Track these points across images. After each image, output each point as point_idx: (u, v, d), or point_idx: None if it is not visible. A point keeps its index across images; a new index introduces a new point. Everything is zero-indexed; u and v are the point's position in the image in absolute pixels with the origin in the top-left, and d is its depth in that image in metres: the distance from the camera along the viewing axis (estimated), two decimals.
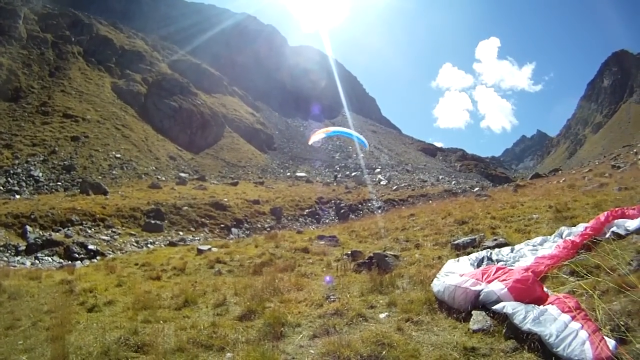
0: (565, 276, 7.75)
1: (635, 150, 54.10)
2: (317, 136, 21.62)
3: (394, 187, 68.86)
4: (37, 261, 25.85)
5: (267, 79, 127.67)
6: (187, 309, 9.58)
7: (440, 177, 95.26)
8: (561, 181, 29.06)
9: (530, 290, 6.73)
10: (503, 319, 6.35)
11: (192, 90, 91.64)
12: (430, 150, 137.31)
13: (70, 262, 25.00)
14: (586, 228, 10.00)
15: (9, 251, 27.09)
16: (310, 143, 21.68)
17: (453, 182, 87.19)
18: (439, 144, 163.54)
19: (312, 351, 6.34)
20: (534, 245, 10.01)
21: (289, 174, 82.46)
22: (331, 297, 9.05)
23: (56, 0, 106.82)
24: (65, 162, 53.46)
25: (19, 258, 26.24)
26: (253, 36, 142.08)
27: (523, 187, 30.41)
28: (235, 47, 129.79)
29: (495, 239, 11.80)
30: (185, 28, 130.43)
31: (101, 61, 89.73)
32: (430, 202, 40.33)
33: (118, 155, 60.88)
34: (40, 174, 49.72)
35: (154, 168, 63.16)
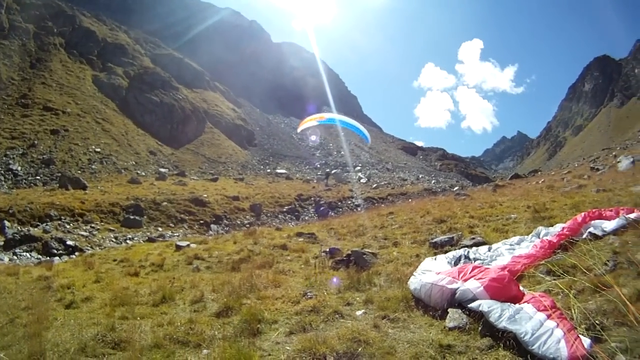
0: (541, 275, 7.83)
1: (614, 154, 54.56)
2: (308, 124, 22.34)
3: (374, 185, 69.00)
4: (15, 257, 25.46)
5: (250, 75, 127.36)
6: (164, 306, 9.56)
7: (421, 175, 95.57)
8: (540, 182, 29.25)
9: (506, 288, 6.78)
10: (479, 317, 6.39)
11: (173, 84, 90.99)
12: (411, 149, 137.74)
13: (48, 257, 24.72)
14: (563, 228, 10.11)
15: None
16: (299, 130, 22.78)
17: (433, 181, 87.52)
18: (419, 143, 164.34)
19: (288, 348, 6.34)
20: (511, 245, 10.10)
21: (269, 170, 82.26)
22: (308, 294, 9.07)
23: None
24: (44, 156, 52.90)
25: None
26: (237, 32, 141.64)
27: (502, 187, 30.60)
28: (218, 43, 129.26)
29: (473, 238, 11.89)
30: (169, 22, 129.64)
31: (83, 53, 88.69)
32: (410, 200, 40.46)
33: (98, 150, 60.37)
34: (19, 168, 49.12)
35: (133, 163, 62.72)
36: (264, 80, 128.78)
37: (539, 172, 67.39)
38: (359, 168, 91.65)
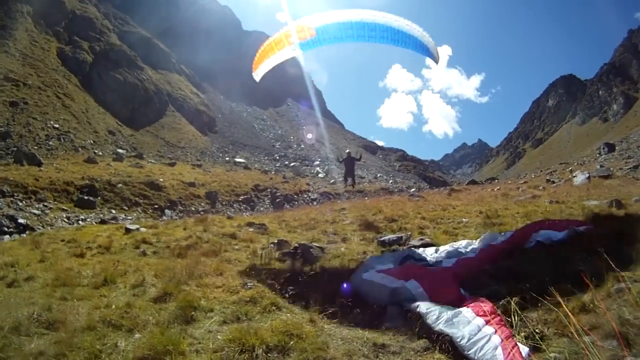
0: (485, 279, 7.78)
1: (570, 168, 55.37)
2: (279, 53, 14.62)
3: (331, 181, 69.17)
4: None
5: (216, 61, 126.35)
6: (105, 288, 9.38)
7: (379, 175, 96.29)
8: (496, 189, 29.39)
9: (446, 291, 6.76)
10: (417, 317, 6.34)
11: (139, 64, 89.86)
12: (371, 148, 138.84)
13: None
14: (512, 236, 10.12)
15: None
16: (258, 76, 15.99)
17: (391, 181, 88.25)
18: (380, 143, 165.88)
19: (219, 337, 6.23)
20: (458, 248, 10.09)
21: (227, 158, 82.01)
22: (248, 284, 8.96)
23: None
24: (1, 129, 52.02)
25: None
26: (207, 15, 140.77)
27: (458, 192, 30.72)
28: (188, 25, 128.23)
29: (422, 239, 11.89)
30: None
31: (50, 24, 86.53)
32: (366, 198, 40.53)
33: (56, 126, 59.44)
34: None
35: (91, 142, 61.88)
36: (231, 68, 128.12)
37: (496, 180, 68.07)
38: (317, 162, 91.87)
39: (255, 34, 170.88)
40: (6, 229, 25.69)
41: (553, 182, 33.52)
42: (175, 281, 9.06)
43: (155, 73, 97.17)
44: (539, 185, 29.87)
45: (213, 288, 8.81)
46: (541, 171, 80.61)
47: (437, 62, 13.72)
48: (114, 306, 7.93)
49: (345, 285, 8.19)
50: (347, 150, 38.05)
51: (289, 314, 7.19)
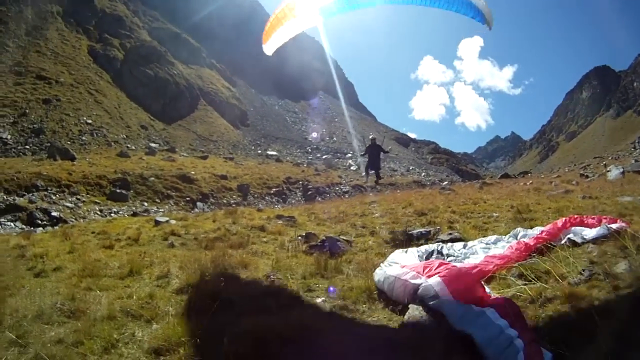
0: (512, 279, 7.55)
1: (605, 163, 54.83)
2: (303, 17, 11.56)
3: (363, 174, 69.13)
4: None
5: (247, 55, 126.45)
6: (130, 279, 9.44)
7: (411, 167, 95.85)
8: (528, 183, 29.04)
9: (470, 289, 6.55)
10: (439, 315, 6.21)
11: (169, 59, 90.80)
12: (404, 141, 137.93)
13: (32, 228, 24.82)
14: (542, 232, 9.86)
15: None
16: (269, 49, 13.22)
17: (423, 174, 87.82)
18: (412, 135, 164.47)
19: (235, 329, 6.19)
20: (487, 244, 9.88)
21: (259, 151, 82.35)
22: (271, 276, 8.91)
23: None
24: (35, 125, 52.86)
25: None
26: (236, 10, 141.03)
27: (489, 185, 30.43)
28: (217, 20, 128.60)
29: (450, 234, 11.71)
30: None
31: (80, 23, 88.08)
32: (397, 191, 40.33)
33: (89, 121, 60.32)
34: (9, 136, 49.17)
35: (124, 136, 62.70)
36: (261, 61, 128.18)
37: (529, 174, 67.31)
38: (349, 155, 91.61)
39: None
40: (39, 222, 26.53)
41: (587, 176, 33.12)
42: (199, 273, 9.06)
43: (186, 68, 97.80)
44: (572, 180, 29.54)
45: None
46: (575, 165, 79.98)
47: (490, 28, 11.64)
48: (135, 297, 8.02)
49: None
50: (372, 136, 29.84)
51: (310, 309, 7.14)
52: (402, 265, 8.01)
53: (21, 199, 30.38)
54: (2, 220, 26.39)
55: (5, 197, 30.06)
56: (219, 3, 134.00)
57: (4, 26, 73.73)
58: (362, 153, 28.53)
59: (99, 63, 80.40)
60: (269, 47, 13.23)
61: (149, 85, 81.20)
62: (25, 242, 14.18)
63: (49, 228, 24.63)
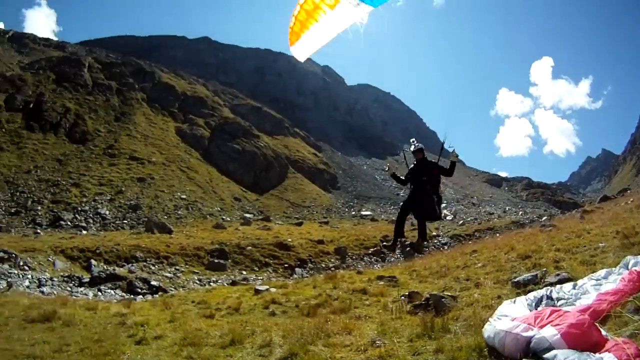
0: (628, 315, 7.07)
1: None
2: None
3: (460, 222, 68.17)
4: (99, 293, 26.47)
5: (328, 119, 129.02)
6: (232, 348, 9.46)
7: (507, 208, 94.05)
8: (629, 202, 27.92)
9: (585, 335, 6.23)
10: None
11: (254, 132, 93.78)
12: (496, 181, 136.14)
13: (132, 296, 25.67)
14: None
15: (73, 282, 28.00)
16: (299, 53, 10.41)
17: (520, 213, 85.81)
18: (503, 174, 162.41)
19: None
20: (597, 280, 9.36)
21: (353, 213, 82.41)
22: (377, 342, 8.72)
23: (118, 50, 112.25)
24: (131, 202, 55.37)
25: (82, 289, 26.95)
26: (310, 77, 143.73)
27: (590, 213, 29.46)
28: (293, 89, 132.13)
29: (558, 274, 11.18)
30: (243, 73, 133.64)
31: (164, 106, 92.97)
32: (497, 235, 39.46)
33: (183, 197, 62.37)
34: (107, 212, 51.82)
35: (218, 209, 64.26)
36: (342, 123, 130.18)
37: (629, 191, 64.29)
38: (444, 205, 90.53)
39: (360, 87, 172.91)
40: (139, 290, 27.43)
41: None
42: (302, 341, 8.96)
43: (272, 139, 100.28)
44: None
45: (340, 347, 8.63)
46: None
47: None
48: None
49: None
50: (414, 147, 13.17)
51: None
52: (512, 318, 7.54)
53: (121, 269, 31.69)
54: (103, 288, 27.36)
55: (105, 267, 31.55)
56: (295, 75, 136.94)
57: (94, 114, 78.87)
58: (403, 178, 13.51)
59: (187, 142, 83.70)
60: (300, 51, 10.17)
61: (238, 159, 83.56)
62: (125, 310, 14.56)
63: (148, 296, 25.60)
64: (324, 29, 8.93)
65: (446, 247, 44.86)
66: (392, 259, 45.05)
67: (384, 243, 48.05)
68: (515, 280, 11.91)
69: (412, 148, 13.10)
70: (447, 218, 76.17)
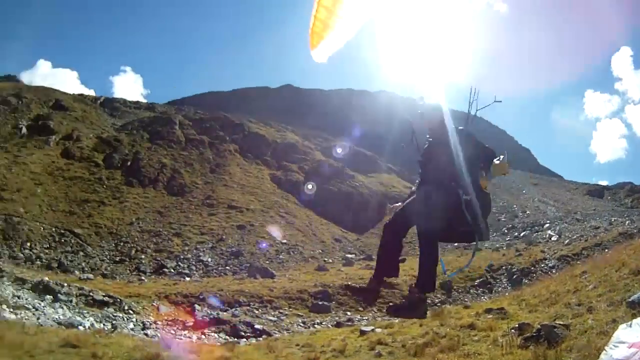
0: None
1: None
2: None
3: (566, 241, 65.95)
4: (203, 336, 26.91)
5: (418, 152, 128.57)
6: None
7: (613, 219, 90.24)
8: None
9: None
10: None
11: (347, 173, 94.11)
12: (597, 192, 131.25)
13: (236, 339, 25.94)
14: None
15: (177, 326, 28.53)
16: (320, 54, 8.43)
17: (627, 222, 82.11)
18: (604, 182, 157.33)
19: None
20: None
21: (456, 244, 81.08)
22: None
23: (204, 106, 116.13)
24: (232, 249, 56.12)
25: (185, 332, 27.49)
26: (395, 111, 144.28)
27: None
28: (380, 124, 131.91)
29: None
30: (330, 114, 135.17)
31: (257, 156, 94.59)
32: (606, 251, 38.02)
33: (284, 241, 62.90)
34: (209, 259, 52.78)
35: (320, 251, 64.47)
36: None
37: None
38: (547, 225, 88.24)
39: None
40: (243, 333, 27.51)
41: None
42: None
43: (366, 177, 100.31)
44: None
45: None
46: None
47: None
48: None
49: None
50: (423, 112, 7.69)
51: None
52: (629, 345, 7.12)
53: (224, 313, 31.91)
54: (207, 331, 27.73)
55: (209, 311, 31.68)
56: (369, 109, 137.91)
57: (190, 167, 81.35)
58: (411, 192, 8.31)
59: (283, 188, 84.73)
60: (321, 53, 7.86)
61: (335, 201, 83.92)
62: (229, 354, 14.74)
63: (252, 340, 25.82)
64: (346, 27, 7.35)
65: (554, 271, 43.46)
66: (499, 289, 44.23)
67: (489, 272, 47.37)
68: (630, 299, 11.23)
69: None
70: (553, 239, 74.15)
